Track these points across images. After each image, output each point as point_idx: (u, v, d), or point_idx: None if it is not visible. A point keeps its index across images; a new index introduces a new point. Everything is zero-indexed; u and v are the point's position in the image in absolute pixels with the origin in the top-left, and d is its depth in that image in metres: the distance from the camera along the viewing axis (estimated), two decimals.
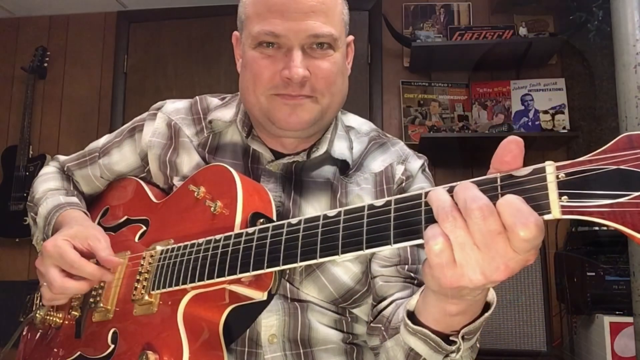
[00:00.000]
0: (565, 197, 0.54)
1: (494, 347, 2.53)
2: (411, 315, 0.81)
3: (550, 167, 0.56)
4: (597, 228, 2.70)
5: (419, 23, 3.51)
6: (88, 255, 0.99)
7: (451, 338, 0.78)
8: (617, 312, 2.49)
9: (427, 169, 1.14)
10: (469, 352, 0.86)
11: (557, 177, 0.55)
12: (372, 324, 1.01)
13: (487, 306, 0.78)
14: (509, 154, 0.59)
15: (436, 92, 3.42)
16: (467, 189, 0.59)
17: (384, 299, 1.01)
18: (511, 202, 0.56)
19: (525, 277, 2.58)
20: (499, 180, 0.59)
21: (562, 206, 0.54)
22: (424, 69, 3.45)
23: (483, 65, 3.39)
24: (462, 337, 0.77)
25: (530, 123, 3.26)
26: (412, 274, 1.02)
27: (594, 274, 2.57)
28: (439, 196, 0.61)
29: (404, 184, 1.08)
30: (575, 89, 3.26)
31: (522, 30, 3.25)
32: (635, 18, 2.05)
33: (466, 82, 3.42)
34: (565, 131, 3.16)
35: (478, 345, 0.88)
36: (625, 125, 2.04)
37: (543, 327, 2.52)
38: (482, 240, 0.58)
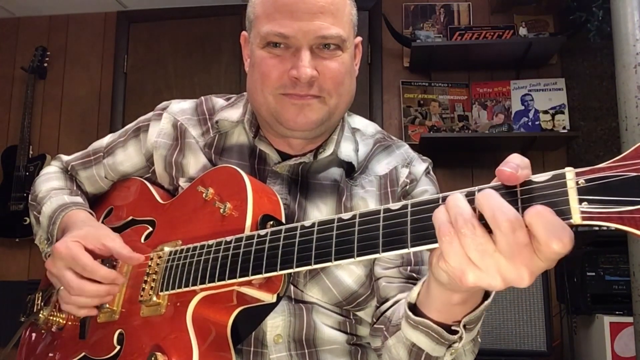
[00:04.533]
0: (585, 203, 0.55)
1: (494, 347, 2.53)
2: (413, 308, 0.82)
3: (570, 173, 0.56)
4: (597, 228, 2.70)
5: (419, 23, 3.51)
6: (99, 255, 0.98)
7: (453, 328, 0.78)
8: (617, 312, 2.50)
9: (431, 172, 1.14)
10: (472, 346, 0.87)
11: (577, 183, 0.55)
12: (375, 325, 1.02)
13: (486, 294, 0.77)
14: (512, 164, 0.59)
15: (436, 92, 3.42)
16: (492, 197, 0.58)
17: (387, 300, 1.02)
18: (543, 215, 0.55)
19: None
20: (518, 185, 0.59)
21: (582, 212, 0.55)
22: (424, 69, 3.46)
23: (483, 65, 3.40)
24: (464, 327, 0.78)
25: (530, 123, 3.27)
26: (414, 275, 1.02)
27: (594, 274, 2.58)
28: (457, 202, 0.60)
29: (407, 187, 1.09)
30: (575, 89, 3.26)
31: (522, 30, 3.26)
32: (635, 18, 2.05)
33: (466, 82, 3.43)
34: (565, 131, 3.17)
35: (480, 339, 0.88)
36: (625, 125, 2.05)
37: (543, 327, 2.53)
38: (509, 250, 0.57)
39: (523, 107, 3.31)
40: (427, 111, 3.41)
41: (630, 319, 2.27)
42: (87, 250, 0.97)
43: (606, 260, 2.58)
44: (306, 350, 1.00)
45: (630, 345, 2.29)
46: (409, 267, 1.03)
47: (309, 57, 0.95)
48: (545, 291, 2.55)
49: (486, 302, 0.76)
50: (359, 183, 1.08)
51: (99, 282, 0.96)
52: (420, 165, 1.12)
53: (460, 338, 0.78)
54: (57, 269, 0.97)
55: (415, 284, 1.00)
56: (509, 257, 0.58)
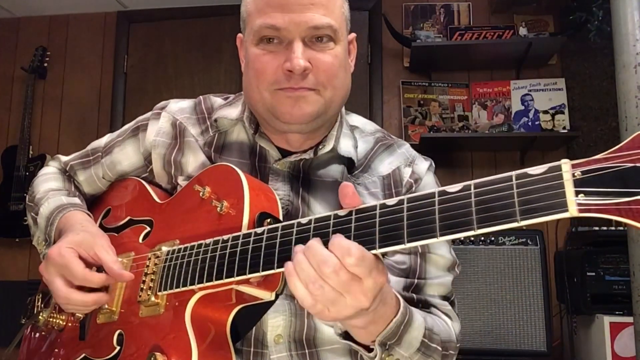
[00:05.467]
0: (582, 195, 0.54)
1: (494, 347, 2.53)
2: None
3: (566, 165, 0.56)
4: (597, 228, 2.71)
5: (419, 23, 3.51)
6: (92, 264, 0.98)
7: (370, 346, 0.85)
8: (617, 312, 2.49)
9: (433, 171, 1.14)
10: (421, 356, 0.91)
11: (573, 175, 0.55)
12: None
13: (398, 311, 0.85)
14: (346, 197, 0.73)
15: (436, 92, 3.42)
16: (316, 252, 0.69)
17: None
18: (335, 243, 0.69)
19: (525, 277, 2.58)
20: (514, 178, 0.59)
21: (579, 204, 0.54)
22: (424, 69, 3.45)
23: (483, 65, 3.40)
24: (384, 344, 0.84)
25: (530, 123, 3.26)
26: (414, 285, 1.04)
27: (594, 274, 2.57)
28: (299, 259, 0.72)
29: (414, 188, 1.09)
30: (575, 89, 3.26)
31: (522, 30, 3.25)
32: (635, 18, 2.05)
33: (466, 82, 3.42)
34: (565, 131, 3.16)
35: (439, 347, 0.94)
36: (625, 125, 2.05)
37: (543, 327, 2.52)
38: (343, 288, 0.70)
39: (523, 107, 3.30)
40: (427, 111, 3.40)
41: (630, 319, 2.26)
42: (80, 257, 0.97)
43: (606, 260, 2.57)
44: (307, 351, 1.00)
45: (630, 345, 2.29)
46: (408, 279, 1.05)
47: (301, 49, 0.95)
48: (545, 291, 2.55)
49: (394, 319, 0.83)
50: (362, 182, 1.08)
51: (91, 290, 0.97)
52: (423, 163, 1.12)
53: (375, 355, 0.85)
54: (49, 274, 0.98)
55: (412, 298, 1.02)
56: (346, 292, 0.72)
